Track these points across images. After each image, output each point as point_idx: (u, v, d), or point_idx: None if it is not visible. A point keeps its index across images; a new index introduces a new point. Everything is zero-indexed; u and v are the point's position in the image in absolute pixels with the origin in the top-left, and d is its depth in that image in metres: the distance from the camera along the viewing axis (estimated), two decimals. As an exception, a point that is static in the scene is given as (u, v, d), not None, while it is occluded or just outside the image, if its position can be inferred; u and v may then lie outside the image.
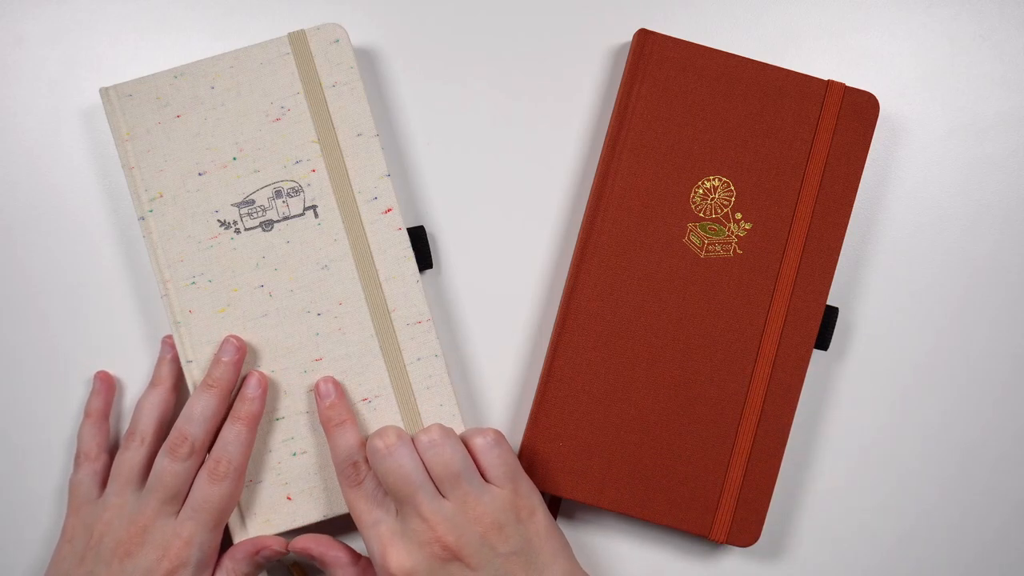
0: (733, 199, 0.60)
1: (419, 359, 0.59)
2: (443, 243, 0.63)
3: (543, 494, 0.60)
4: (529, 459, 0.59)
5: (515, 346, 0.62)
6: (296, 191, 0.59)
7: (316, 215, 0.59)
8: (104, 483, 0.58)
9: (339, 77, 0.59)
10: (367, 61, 0.64)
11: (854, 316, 0.63)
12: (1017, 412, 0.63)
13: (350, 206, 0.59)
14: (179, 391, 0.60)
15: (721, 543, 0.61)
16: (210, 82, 0.59)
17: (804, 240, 0.60)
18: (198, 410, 0.56)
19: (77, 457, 0.58)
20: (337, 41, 0.59)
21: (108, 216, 0.63)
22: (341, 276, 0.59)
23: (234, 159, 0.59)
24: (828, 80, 0.61)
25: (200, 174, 0.59)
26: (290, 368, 0.58)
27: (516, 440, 0.62)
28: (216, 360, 0.57)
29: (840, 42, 0.64)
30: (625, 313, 0.59)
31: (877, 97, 0.63)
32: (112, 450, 0.60)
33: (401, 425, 0.58)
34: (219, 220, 0.59)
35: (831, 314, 0.60)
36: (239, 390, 0.57)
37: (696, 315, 0.59)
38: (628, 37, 0.64)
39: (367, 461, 0.56)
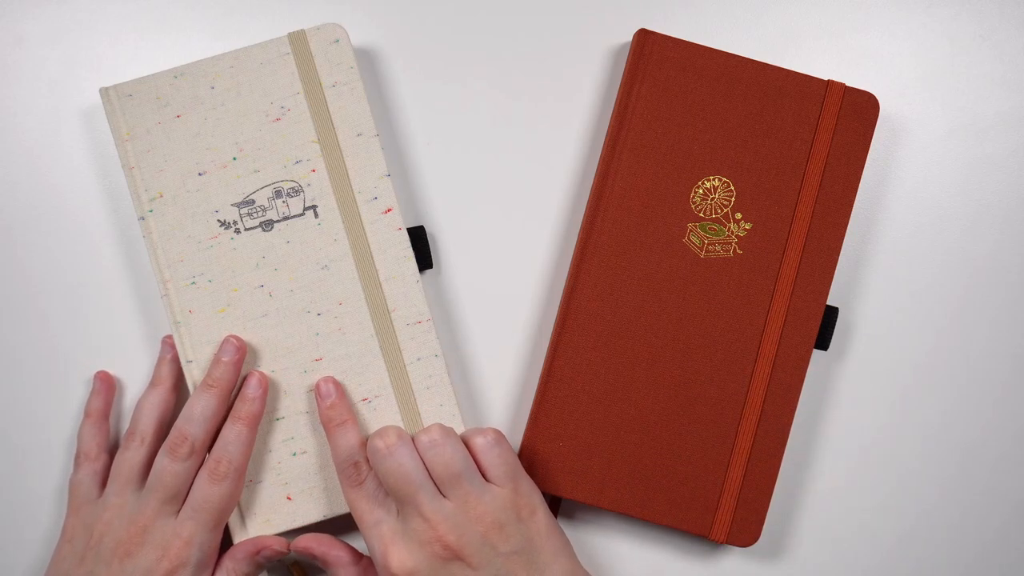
0: (733, 199, 0.60)
1: (419, 359, 0.59)
2: (443, 243, 0.63)
3: (543, 494, 0.60)
4: (529, 459, 0.59)
5: (515, 346, 0.62)
6: (296, 191, 0.59)
7: (316, 215, 0.59)
8: (104, 483, 0.58)
9: (339, 77, 0.59)
10: (367, 61, 0.64)
11: (854, 316, 0.63)
12: (1017, 412, 0.63)
13: (350, 206, 0.59)
14: (179, 391, 0.60)
15: (721, 543, 0.61)
16: (210, 82, 0.59)
17: (804, 240, 0.60)
18: (198, 410, 0.56)
19: (77, 457, 0.58)
20: (337, 41, 0.59)
21: (108, 216, 0.63)
22: (341, 276, 0.59)
23: (234, 159, 0.59)
24: (828, 80, 0.61)
25: (200, 174, 0.59)
26: (290, 368, 0.58)
27: (516, 440, 0.62)
28: (216, 360, 0.57)
29: (840, 42, 0.64)
30: (625, 313, 0.59)
31: (877, 97, 0.63)
32: (112, 450, 0.60)
33: (401, 425, 0.58)
34: (219, 220, 0.59)
35: (831, 314, 0.60)
36: (239, 390, 0.57)
37: (696, 315, 0.59)
38: (628, 37, 0.64)
39: (368, 461, 0.56)
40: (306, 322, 0.58)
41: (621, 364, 0.59)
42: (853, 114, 0.60)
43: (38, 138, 0.63)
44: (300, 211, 0.59)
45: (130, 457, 0.56)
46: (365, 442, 0.56)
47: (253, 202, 0.59)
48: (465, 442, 0.56)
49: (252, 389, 0.57)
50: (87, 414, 0.60)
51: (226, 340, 0.57)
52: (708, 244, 0.60)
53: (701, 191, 0.60)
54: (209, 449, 0.57)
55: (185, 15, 0.64)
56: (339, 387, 0.57)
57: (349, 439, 0.56)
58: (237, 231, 0.59)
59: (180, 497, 0.55)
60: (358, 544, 0.61)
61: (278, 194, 0.59)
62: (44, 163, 0.63)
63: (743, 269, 0.60)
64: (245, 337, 0.58)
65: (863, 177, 0.64)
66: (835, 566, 0.62)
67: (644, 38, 0.61)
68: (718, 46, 0.64)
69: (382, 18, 0.64)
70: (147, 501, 0.55)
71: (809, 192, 0.60)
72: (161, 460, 0.55)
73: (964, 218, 0.64)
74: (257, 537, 0.57)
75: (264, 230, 0.59)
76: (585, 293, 0.59)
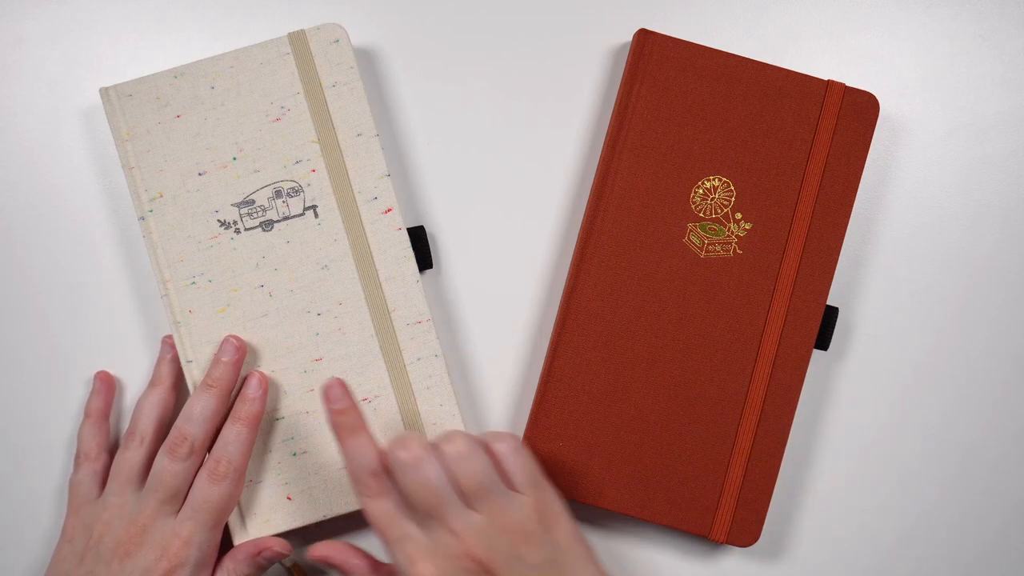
0: (733, 199, 0.60)
1: (419, 359, 0.59)
2: (443, 243, 0.63)
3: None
4: (529, 459, 0.59)
5: (515, 346, 0.62)
6: (296, 191, 0.59)
7: (316, 215, 0.59)
8: (104, 483, 0.58)
9: (339, 77, 0.59)
10: (367, 61, 0.64)
11: (854, 316, 0.63)
12: (1017, 412, 0.63)
13: (350, 206, 0.59)
14: (179, 391, 0.60)
15: (721, 543, 0.61)
16: (210, 82, 0.59)
17: (804, 240, 0.60)
18: (198, 410, 0.56)
19: (77, 457, 0.58)
20: (337, 41, 0.59)
21: (108, 216, 0.63)
22: (341, 276, 0.59)
23: (234, 159, 0.59)
24: (828, 80, 0.61)
25: (200, 174, 0.59)
26: (290, 368, 0.58)
27: (516, 440, 0.62)
28: (216, 360, 0.57)
29: (840, 42, 0.64)
30: (625, 313, 0.59)
31: (877, 97, 0.63)
32: (112, 450, 0.60)
33: (401, 425, 0.58)
34: (219, 220, 0.59)
35: (831, 314, 0.60)
36: (239, 390, 0.57)
37: (696, 315, 0.59)
38: (628, 37, 0.64)
39: (386, 471, 0.53)
40: (306, 322, 0.58)
41: (621, 364, 0.59)
42: (853, 114, 0.60)
43: (38, 138, 0.63)
44: (300, 211, 0.59)
45: (130, 457, 0.56)
46: (380, 450, 0.54)
47: (253, 202, 0.59)
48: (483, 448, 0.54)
49: (252, 389, 0.57)
50: (87, 414, 0.60)
51: (226, 340, 0.57)
52: (708, 244, 0.60)
53: (701, 191, 0.60)
54: (209, 449, 0.57)
55: (185, 15, 0.64)
56: (348, 391, 0.54)
57: (365, 449, 0.53)
58: (237, 231, 0.59)
59: (180, 497, 0.55)
60: (361, 543, 0.60)
61: (278, 194, 0.59)
62: (44, 163, 0.63)
63: (743, 269, 0.60)
64: (245, 337, 0.58)
65: (863, 177, 0.64)
66: (835, 566, 0.62)
67: (644, 38, 0.61)
68: (718, 46, 0.64)
69: (382, 18, 0.64)
70: (147, 501, 0.55)
71: (809, 192, 0.60)
72: (161, 460, 0.55)
73: (964, 218, 0.64)
74: (258, 538, 0.57)
75: (264, 230, 0.59)
76: (585, 293, 0.59)
